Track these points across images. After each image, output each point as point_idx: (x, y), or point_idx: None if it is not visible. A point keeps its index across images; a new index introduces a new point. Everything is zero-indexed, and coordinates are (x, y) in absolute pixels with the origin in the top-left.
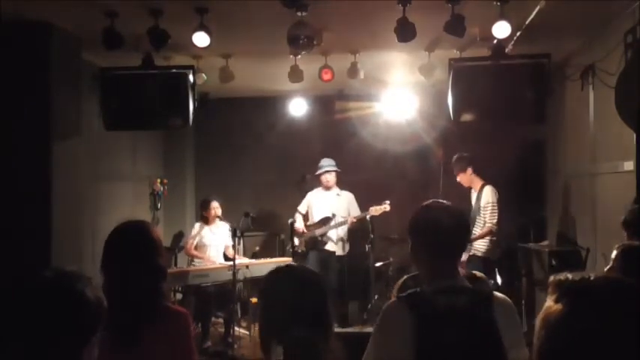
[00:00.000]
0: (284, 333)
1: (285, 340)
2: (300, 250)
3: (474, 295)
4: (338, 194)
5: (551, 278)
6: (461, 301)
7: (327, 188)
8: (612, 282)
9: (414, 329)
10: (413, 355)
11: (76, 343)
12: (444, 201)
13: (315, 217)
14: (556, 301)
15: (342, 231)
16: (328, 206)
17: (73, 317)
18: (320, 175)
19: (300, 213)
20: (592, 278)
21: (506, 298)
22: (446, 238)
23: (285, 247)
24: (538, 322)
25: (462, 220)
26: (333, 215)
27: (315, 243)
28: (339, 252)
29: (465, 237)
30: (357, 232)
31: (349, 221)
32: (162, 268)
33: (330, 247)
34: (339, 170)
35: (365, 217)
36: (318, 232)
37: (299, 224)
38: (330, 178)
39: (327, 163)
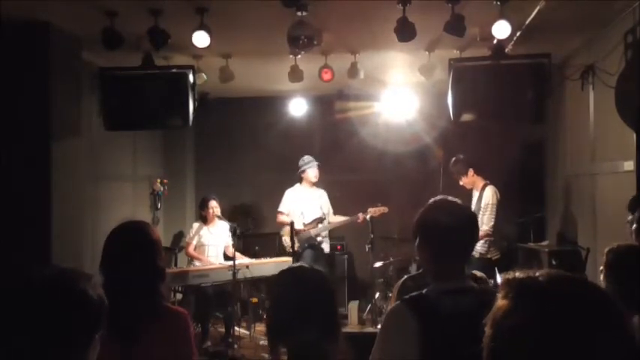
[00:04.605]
0: (292, 335)
1: (292, 341)
2: (294, 250)
3: (479, 295)
4: (320, 195)
5: (502, 277)
6: (466, 302)
7: (312, 184)
8: (556, 276)
9: (418, 333)
10: (419, 358)
11: (79, 343)
12: (452, 198)
13: (306, 217)
14: (503, 299)
15: (326, 230)
16: (317, 206)
17: (76, 316)
18: (308, 169)
19: (284, 214)
20: (537, 274)
21: None
22: (453, 239)
23: (285, 247)
24: (487, 321)
25: (470, 220)
26: (324, 215)
27: (311, 242)
28: (326, 250)
29: (473, 238)
30: (357, 231)
31: (361, 219)
32: (162, 269)
33: (321, 245)
34: (319, 163)
35: (365, 218)
36: (313, 231)
37: (298, 225)
38: (318, 173)
39: (311, 159)
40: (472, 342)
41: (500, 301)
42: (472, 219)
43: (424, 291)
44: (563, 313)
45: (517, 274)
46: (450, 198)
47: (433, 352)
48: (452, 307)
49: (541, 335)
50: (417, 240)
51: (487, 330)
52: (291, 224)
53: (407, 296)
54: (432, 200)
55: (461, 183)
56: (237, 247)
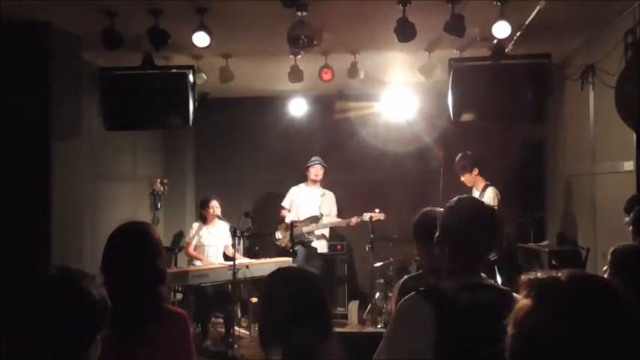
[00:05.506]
0: (284, 335)
1: (285, 341)
2: (293, 249)
3: (495, 291)
4: (323, 194)
5: (522, 278)
6: (483, 297)
7: (314, 182)
8: (577, 275)
9: (434, 324)
10: (432, 350)
11: (81, 343)
12: (478, 199)
13: (301, 214)
14: (525, 299)
15: (325, 230)
16: (314, 205)
17: (79, 316)
18: (310, 166)
19: (286, 209)
20: (558, 274)
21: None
22: (474, 239)
23: (275, 241)
24: (510, 321)
25: (492, 220)
26: (321, 215)
27: (301, 239)
28: (321, 249)
29: (493, 238)
30: (357, 231)
31: (353, 222)
32: (162, 271)
33: (314, 243)
34: (326, 166)
35: (361, 221)
36: (305, 229)
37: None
38: (319, 172)
39: (317, 158)
40: (491, 338)
41: (522, 301)
42: (494, 219)
43: (439, 285)
44: (584, 312)
45: (538, 274)
46: (476, 199)
47: (448, 343)
48: (470, 301)
49: (563, 334)
50: (439, 235)
51: (509, 330)
52: (291, 224)
53: (421, 288)
54: (457, 198)
55: (462, 179)
56: (237, 249)
